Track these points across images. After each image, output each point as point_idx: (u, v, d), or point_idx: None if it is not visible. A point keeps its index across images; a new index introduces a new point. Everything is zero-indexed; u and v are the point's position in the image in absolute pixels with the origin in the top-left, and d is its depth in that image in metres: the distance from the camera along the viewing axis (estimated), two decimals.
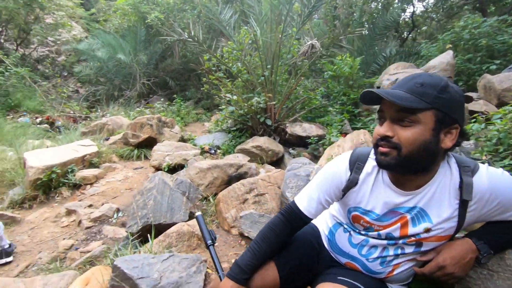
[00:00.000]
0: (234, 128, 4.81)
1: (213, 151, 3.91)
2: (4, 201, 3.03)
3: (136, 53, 10.01)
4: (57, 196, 3.20)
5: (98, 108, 9.52)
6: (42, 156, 3.32)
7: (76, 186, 3.35)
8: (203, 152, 3.83)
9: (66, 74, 12.96)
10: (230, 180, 2.87)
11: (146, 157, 4.55)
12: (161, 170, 3.56)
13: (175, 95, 10.77)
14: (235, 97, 4.25)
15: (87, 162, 3.70)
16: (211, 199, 2.73)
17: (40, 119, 7.65)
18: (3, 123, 6.77)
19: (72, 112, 8.51)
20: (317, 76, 7.38)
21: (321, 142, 4.02)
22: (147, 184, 2.52)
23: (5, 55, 8.36)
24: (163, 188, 2.44)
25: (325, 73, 5.73)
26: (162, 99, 10.00)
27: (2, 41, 10.69)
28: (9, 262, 2.12)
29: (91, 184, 3.44)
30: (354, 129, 4.42)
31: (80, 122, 8.43)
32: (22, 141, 6.14)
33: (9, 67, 8.04)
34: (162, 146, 3.72)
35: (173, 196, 2.41)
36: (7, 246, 2.12)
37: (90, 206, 2.91)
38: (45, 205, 3.09)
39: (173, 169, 3.53)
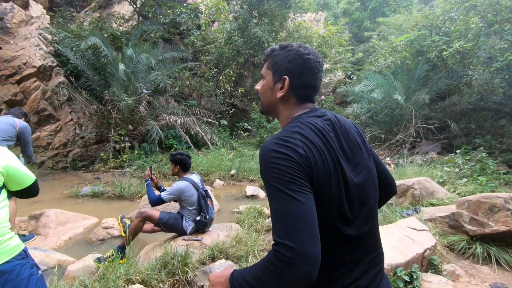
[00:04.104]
0: None
1: None
2: None
3: (410, 93, 8.72)
4: None
5: None
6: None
7: None
8: None
9: None
10: None
11: (497, 262, 2.86)
12: None
13: (453, 142, 8.44)
14: None
15: (426, 261, 2.57)
16: None
17: None
18: None
19: None
20: None
21: None
22: None
23: None
24: None
25: None
26: (438, 146, 8.01)
27: None
28: None
29: None
30: None
31: None
32: None
33: None
34: None
35: None
36: None
37: None
38: None
39: None
